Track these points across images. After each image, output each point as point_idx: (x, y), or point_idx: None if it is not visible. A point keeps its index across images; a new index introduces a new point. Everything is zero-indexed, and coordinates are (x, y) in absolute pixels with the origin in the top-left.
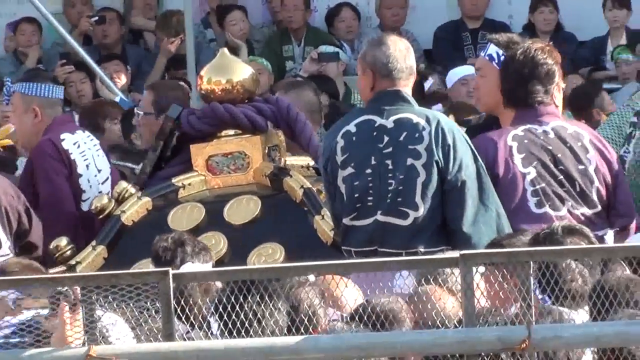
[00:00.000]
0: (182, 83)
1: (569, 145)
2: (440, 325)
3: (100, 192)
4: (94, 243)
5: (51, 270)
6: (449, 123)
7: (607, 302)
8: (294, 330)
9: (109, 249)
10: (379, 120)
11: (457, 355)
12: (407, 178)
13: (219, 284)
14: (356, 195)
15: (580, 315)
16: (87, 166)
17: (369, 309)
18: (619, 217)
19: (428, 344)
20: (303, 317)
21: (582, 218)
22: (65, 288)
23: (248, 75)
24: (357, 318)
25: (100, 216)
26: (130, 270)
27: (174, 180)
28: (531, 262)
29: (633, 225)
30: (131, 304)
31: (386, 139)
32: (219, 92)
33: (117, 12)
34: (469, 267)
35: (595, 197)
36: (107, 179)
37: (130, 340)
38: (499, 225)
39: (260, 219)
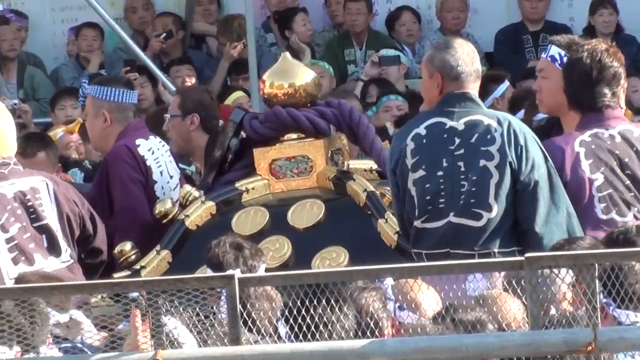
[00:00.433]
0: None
1: (635, 149)
2: (505, 328)
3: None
4: (158, 247)
5: (115, 275)
6: (519, 124)
7: None
8: (359, 333)
9: (173, 253)
10: (449, 123)
11: (523, 358)
12: (480, 179)
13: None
14: (427, 197)
15: None
16: (161, 173)
17: (455, 318)
18: None
19: (493, 346)
20: (369, 321)
21: None
22: (137, 294)
23: (310, 79)
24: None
25: (164, 220)
26: (196, 275)
27: (237, 185)
28: (596, 265)
29: None
30: (197, 308)
31: (457, 140)
32: (282, 96)
33: (177, 17)
34: (535, 269)
35: None
36: (177, 185)
37: (194, 345)
38: (570, 225)
39: (324, 222)
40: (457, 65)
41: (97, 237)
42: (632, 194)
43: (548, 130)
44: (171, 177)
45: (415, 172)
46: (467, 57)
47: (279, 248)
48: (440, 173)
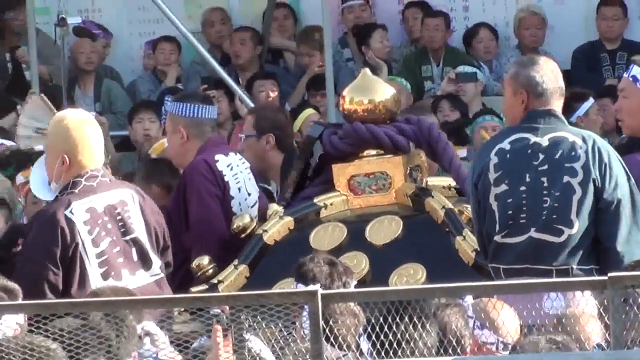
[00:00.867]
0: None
1: None
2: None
3: None
4: (236, 262)
5: (193, 289)
6: (603, 142)
7: None
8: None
9: (250, 268)
10: (533, 138)
11: None
12: (563, 195)
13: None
14: (509, 212)
15: None
16: (238, 189)
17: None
18: None
19: None
20: (451, 338)
21: None
22: (219, 311)
23: (390, 96)
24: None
25: (242, 235)
26: (279, 290)
27: (315, 200)
28: None
29: None
30: (280, 324)
31: (541, 156)
32: (361, 112)
33: (255, 31)
34: (617, 289)
35: None
36: (255, 203)
37: None
38: None
39: (402, 239)
40: (542, 82)
41: (170, 250)
42: None
43: (629, 150)
44: (249, 194)
45: (498, 186)
46: (551, 75)
47: (357, 264)
48: (522, 188)
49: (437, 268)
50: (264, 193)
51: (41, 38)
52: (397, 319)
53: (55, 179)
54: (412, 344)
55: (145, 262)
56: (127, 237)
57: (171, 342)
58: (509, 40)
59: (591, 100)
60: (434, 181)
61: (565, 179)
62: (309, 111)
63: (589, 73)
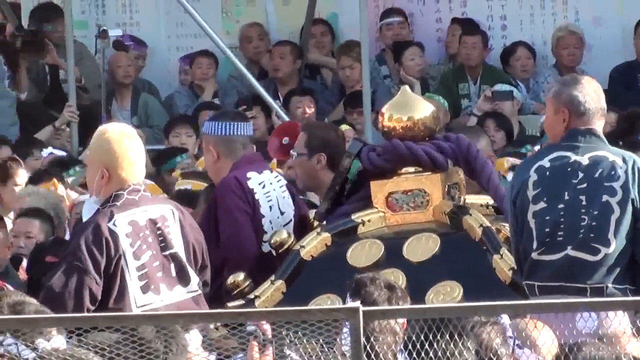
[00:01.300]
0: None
1: None
2: None
3: None
4: (272, 278)
5: (229, 304)
6: None
7: None
8: None
9: (287, 283)
10: (573, 157)
11: None
12: (601, 214)
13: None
14: (546, 229)
15: None
16: (270, 207)
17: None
18: None
19: None
20: (492, 356)
21: None
22: (254, 327)
23: (429, 113)
24: None
25: (280, 251)
26: (321, 306)
27: (353, 217)
28: None
29: None
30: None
31: (581, 175)
32: (400, 130)
33: (295, 45)
34: None
35: None
36: (290, 221)
37: None
38: None
39: (439, 256)
40: (584, 101)
41: (208, 269)
42: None
43: None
44: (282, 212)
45: (536, 204)
46: (594, 95)
47: (394, 281)
48: (561, 206)
49: (474, 286)
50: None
51: (79, 50)
52: (438, 336)
53: (96, 193)
54: None
55: (182, 278)
56: (166, 252)
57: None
58: (546, 59)
59: None
60: (472, 199)
61: (604, 198)
62: (344, 127)
63: (626, 92)
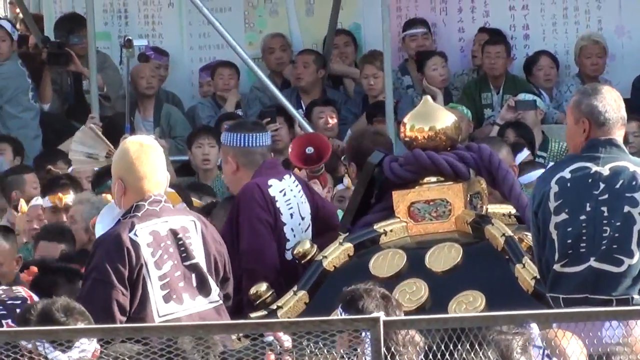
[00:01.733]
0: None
1: None
2: None
3: None
4: (295, 288)
5: (252, 315)
6: None
7: None
8: None
9: (310, 294)
10: (594, 168)
11: None
12: (623, 225)
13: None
14: (569, 241)
15: None
16: (291, 215)
17: None
18: None
19: None
20: None
21: None
22: (272, 339)
23: (451, 123)
24: None
25: (303, 261)
26: (341, 317)
27: (375, 227)
28: None
29: None
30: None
31: (602, 186)
32: (422, 140)
33: (318, 54)
34: None
35: None
36: (309, 226)
37: None
38: None
39: (461, 266)
40: (604, 111)
41: (231, 282)
42: None
43: None
44: (303, 218)
45: (558, 215)
46: (614, 104)
47: (416, 291)
48: (583, 217)
49: (497, 296)
50: None
51: (102, 59)
52: (459, 346)
53: (117, 204)
54: None
55: (203, 288)
56: (187, 263)
57: None
58: (569, 68)
59: None
60: (494, 208)
61: (626, 208)
62: None
63: None
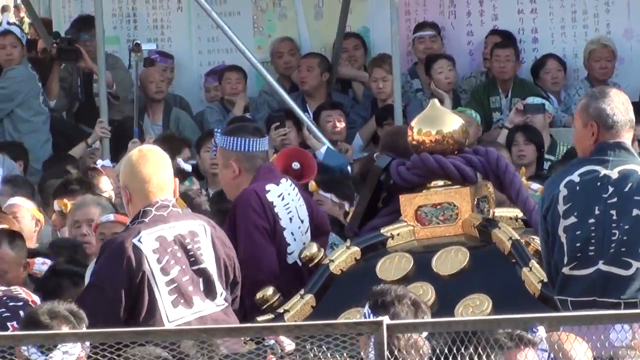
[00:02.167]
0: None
1: None
2: None
3: (304, 243)
4: (302, 292)
5: (259, 318)
6: None
7: None
8: None
9: (317, 297)
10: (603, 171)
11: None
12: (632, 228)
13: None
14: (577, 244)
15: None
16: (290, 219)
17: None
18: None
19: None
20: None
21: None
22: (272, 341)
23: (458, 127)
24: None
25: (310, 265)
26: (345, 320)
27: (382, 230)
28: None
29: None
30: (345, 354)
31: (611, 189)
32: (429, 143)
33: (323, 57)
34: None
35: None
36: (307, 229)
37: None
38: None
39: (468, 270)
40: (613, 114)
41: (239, 286)
42: None
43: None
44: (302, 221)
45: (567, 218)
46: (622, 107)
47: (423, 294)
48: (592, 220)
49: (503, 299)
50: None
51: (113, 61)
52: (463, 349)
53: (127, 213)
54: None
55: (210, 292)
56: (195, 267)
57: None
58: (577, 72)
59: None
60: (501, 212)
61: (635, 212)
62: None
63: None
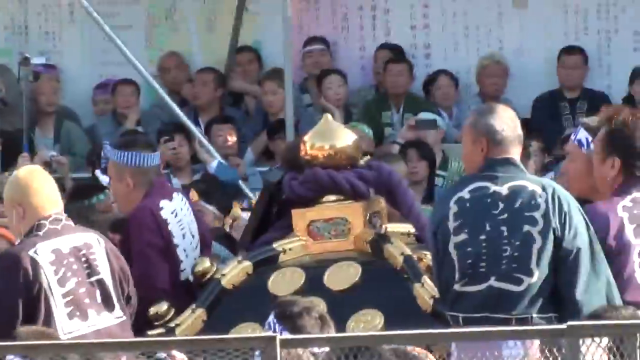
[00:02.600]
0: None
1: None
2: None
3: (194, 259)
4: (193, 306)
5: (150, 332)
6: (563, 191)
7: None
8: None
9: (208, 312)
10: (493, 187)
11: None
12: (523, 244)
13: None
14: (469, 261)
15: None
16: (183, 235)
17: None
18: None
19: None
20: None
21: None
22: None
23: (351, 142)
24: None
25: (203, 279)
26: (238, 335)
27: (274, 245)
28: (638, 335)
29: None
30: None
31: (501, 205)
32: (322, 158)
33: (218, 73)
34: (576, 337)
35: None
36: (198, 244)
37: None
38: (609, 293)
39: (360, 285)
40: (502, 129)
41: (134, 300)
42: None
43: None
44: (193, 236)
45: (457, 235)
46: (510, 123)
47: None
48: (482, 237)
49: (395, 315)
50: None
51: (3, 69)
52: None
53: (17, 233)
54: None
55: (108, 304)
56: (92, 279)
57: None
58: (470, 87)
59: None
60: (394, 227)
61: (525, 228)
62: None
63: (549, 122)
